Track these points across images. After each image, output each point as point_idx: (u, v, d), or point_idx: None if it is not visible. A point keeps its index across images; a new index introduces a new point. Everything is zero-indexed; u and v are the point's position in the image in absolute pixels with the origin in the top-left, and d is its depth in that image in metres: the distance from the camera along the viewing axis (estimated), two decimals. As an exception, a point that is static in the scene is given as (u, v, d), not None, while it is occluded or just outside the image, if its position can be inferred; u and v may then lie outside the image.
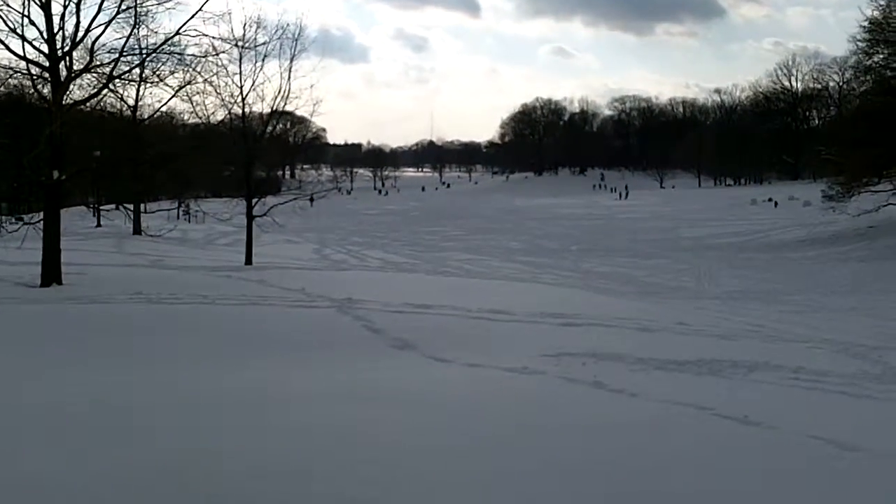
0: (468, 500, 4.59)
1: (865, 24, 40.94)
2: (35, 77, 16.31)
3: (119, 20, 16.52)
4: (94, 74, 17.22)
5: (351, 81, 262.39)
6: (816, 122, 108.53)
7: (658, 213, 63.40)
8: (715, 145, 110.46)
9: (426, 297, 14.12)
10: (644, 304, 17.71)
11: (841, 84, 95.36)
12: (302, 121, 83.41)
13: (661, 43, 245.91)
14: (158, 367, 8.34)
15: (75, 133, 18.75)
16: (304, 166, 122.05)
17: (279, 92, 22.97)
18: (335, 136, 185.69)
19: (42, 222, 15.75)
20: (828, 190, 41.56)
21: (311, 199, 32.12)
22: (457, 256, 34.24)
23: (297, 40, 23.09)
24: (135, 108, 34.49)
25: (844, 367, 9.30)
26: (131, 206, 34.82)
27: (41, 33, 15.32)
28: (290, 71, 22.91)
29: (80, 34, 15.70)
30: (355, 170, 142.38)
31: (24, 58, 15.60)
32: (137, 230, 33.61)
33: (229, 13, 23.24)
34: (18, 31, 15.16)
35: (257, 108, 24.01)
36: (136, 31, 17.17)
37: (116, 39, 17.06)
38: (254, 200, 23.34)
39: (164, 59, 19.34)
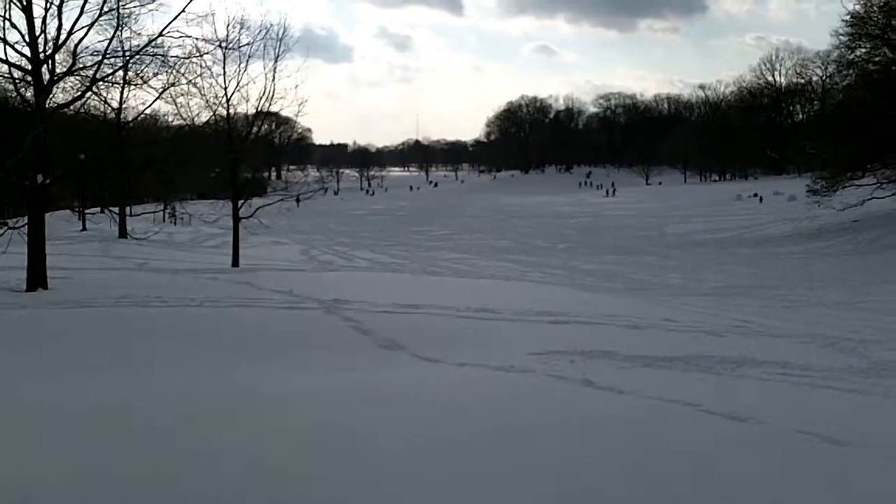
0: (459, 499, 4.59)
1: (847, 17, 41.14)
2: (18, 80, 16.17)
3: (101, 22, 16.48)
4: (78, 77, 17.14)
5: (335, 81, 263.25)
6: (801, 116, 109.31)
7: (645, 209, 63.64)
8: (700, 141, 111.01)
9: (414, 296, 14.13)
10: (632, 300, 17.77)
11: (824, 78, 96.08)
12: (287, 121, 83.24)
13: (644, 39, 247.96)
14: (148, 370, 8.28)
15: (59, 136, 18.61)
16: (291, 167, 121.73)
17: (264, 92, 22.93)
18: (321, 137, 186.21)
19: (27, 226, 15.64)
20: (812, 184, 41.71)
21: (298, 200, 32.03)
22: (444, 256, 34.27)
23: (280, 40, 23.01)
24: (119, 110, 34.41)
25: (831, 361, 9.38)
26: (116, 210, 34.60)
27: (23, 36, 15.21)
28: (274, 71, 22.89)
29: (63, 37, 15.61)
30: (341, 170, 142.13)
31: (6, 61, 15.48)
32: (123, 233, 33.39)
33: (212, 14, 22.24)
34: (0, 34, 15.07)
35: (242, 109, 24.00)
36: (118, 33, 17.09)
37: (99, 42, 17.08)
38: (240, 202, 23.25)
39: (147, 61, 19.20)
